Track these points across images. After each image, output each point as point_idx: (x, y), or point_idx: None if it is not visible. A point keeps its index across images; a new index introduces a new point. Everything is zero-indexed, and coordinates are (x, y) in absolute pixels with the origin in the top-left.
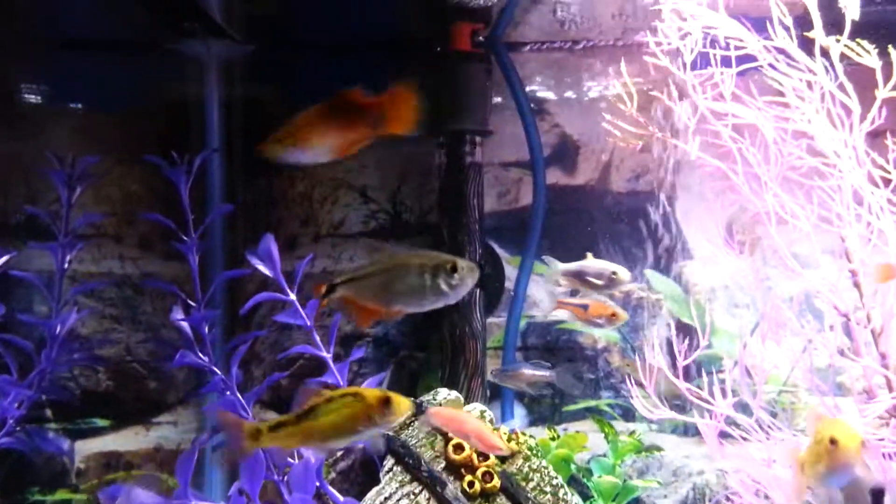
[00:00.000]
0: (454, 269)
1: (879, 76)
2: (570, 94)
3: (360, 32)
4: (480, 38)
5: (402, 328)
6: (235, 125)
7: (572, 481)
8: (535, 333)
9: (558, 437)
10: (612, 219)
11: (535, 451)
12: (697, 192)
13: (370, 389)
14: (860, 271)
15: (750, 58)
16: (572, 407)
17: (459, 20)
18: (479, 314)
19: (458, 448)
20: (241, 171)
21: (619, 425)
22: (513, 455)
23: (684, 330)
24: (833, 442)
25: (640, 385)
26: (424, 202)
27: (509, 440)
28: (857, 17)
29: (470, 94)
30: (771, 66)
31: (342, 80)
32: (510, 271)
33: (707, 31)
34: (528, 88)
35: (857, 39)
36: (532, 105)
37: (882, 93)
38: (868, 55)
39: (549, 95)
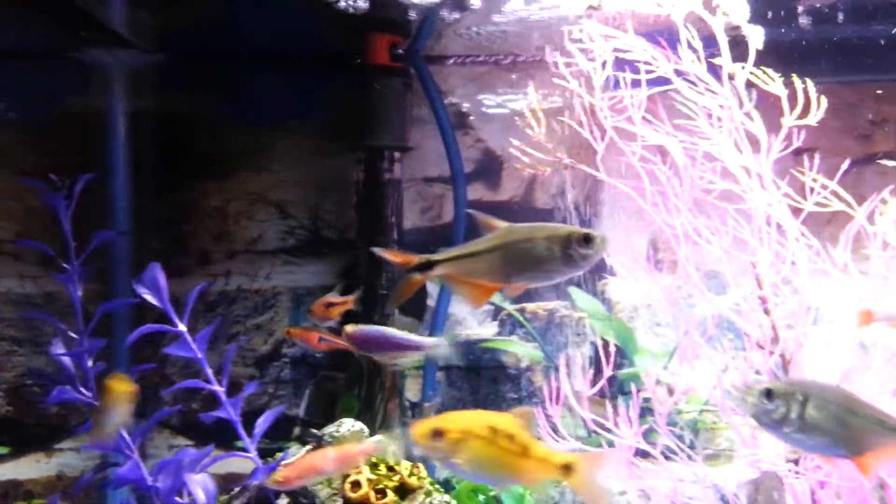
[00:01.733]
0: (587, 239)
1: (785, 104)
2: (493, 108)
3: (276, 43)
4: (399, 50)
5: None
6: (144, 137)
7: None
8: (458, 352)
9: None
10: None
11: (437, 487)
12: (619, 208)
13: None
14: (769, 298)
15: (662, 80)
16: None
17: (377, 32)
18: None
19: (356, 485)
20: (150, 184)
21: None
22: (414, 491)
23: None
24: (438, 434)
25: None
26: (345, 218)
27: (410, 475)
28: (760, 47)
29: (388, 109)
30: (684, 88)
31: (256, 92)
32: (433, 289)
33: (618, 53)
34: (450, 102)
35: (762, 67)
36: (454, 119)
37: (788, 121)
38: (773, 82)
39: (473, 110)
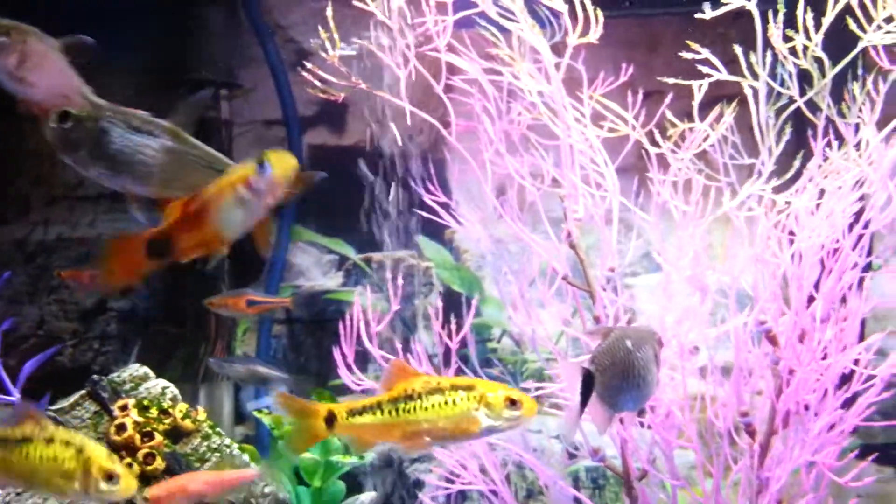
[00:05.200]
0: None
1: (568, 22)
2: (338, 46)
3: None
4: None
5: (152, 301)
6: None
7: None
8: (301, 305)
9: None
10: (384, 181)
11: (217, 430)
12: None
13: (490, 383)
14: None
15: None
16: (339, 381)
17: None
18: (226, 286)
19: (121, 428)
20: None
21: None
22: (189, 434)
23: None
24: None
25: None
26: None
27: (185, 417)
28: None
29: (210, 41)
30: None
31: (72, 23)
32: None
33: None
34: (290, 39)
35: None
36: (295, 57)
37: (572, 39)
38: None
39: (316, 48)
